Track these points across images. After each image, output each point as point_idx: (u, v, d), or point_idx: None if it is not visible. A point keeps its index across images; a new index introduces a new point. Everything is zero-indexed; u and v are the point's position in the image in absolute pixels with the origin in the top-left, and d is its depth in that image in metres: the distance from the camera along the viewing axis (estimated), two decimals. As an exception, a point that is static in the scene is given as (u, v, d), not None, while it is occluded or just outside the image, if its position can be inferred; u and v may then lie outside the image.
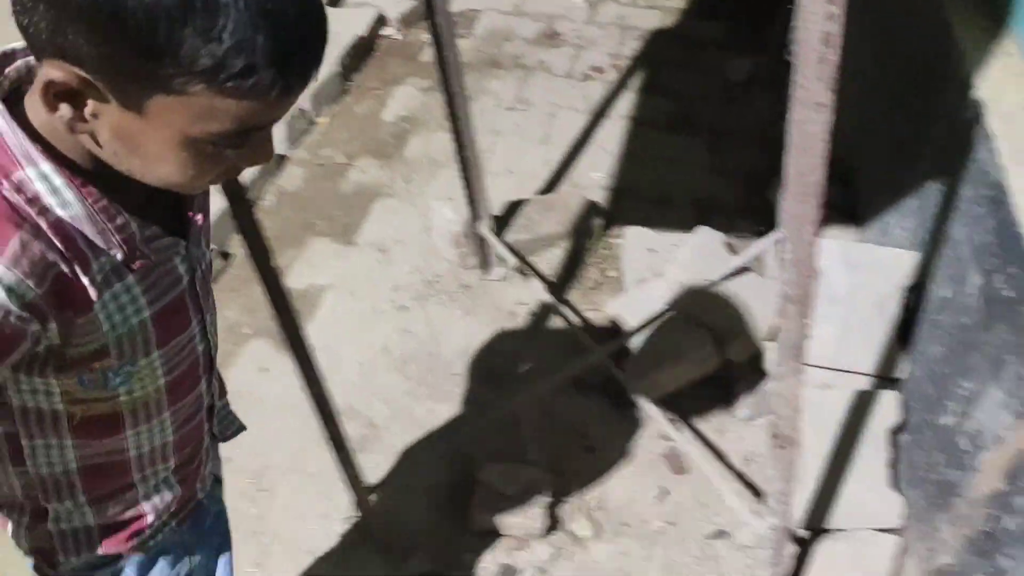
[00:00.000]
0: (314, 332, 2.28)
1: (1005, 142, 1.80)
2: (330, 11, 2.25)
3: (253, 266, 1.53)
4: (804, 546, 2.10)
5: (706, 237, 2.59)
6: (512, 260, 2.65)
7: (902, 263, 2.16)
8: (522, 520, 2.17)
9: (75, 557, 1.14)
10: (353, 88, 3.57)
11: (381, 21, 3.86)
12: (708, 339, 2.39)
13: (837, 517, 2.06)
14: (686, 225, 2.67)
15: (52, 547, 1.13)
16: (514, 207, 2.86)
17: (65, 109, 0.78)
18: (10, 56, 0.88)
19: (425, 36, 3.73)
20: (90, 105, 0.78)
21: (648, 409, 2.25)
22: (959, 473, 1.83)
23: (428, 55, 3.71)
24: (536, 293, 2.64)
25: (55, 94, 0.77)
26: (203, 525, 1.27)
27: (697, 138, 3.22)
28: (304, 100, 3.25)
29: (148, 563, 1.21)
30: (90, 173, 0.86)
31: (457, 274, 2.78)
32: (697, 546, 2.18)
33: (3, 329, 0.81)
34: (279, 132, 3.06)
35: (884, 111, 2.63)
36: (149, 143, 0.80)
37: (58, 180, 0.84)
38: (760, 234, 2.71)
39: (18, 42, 0.88)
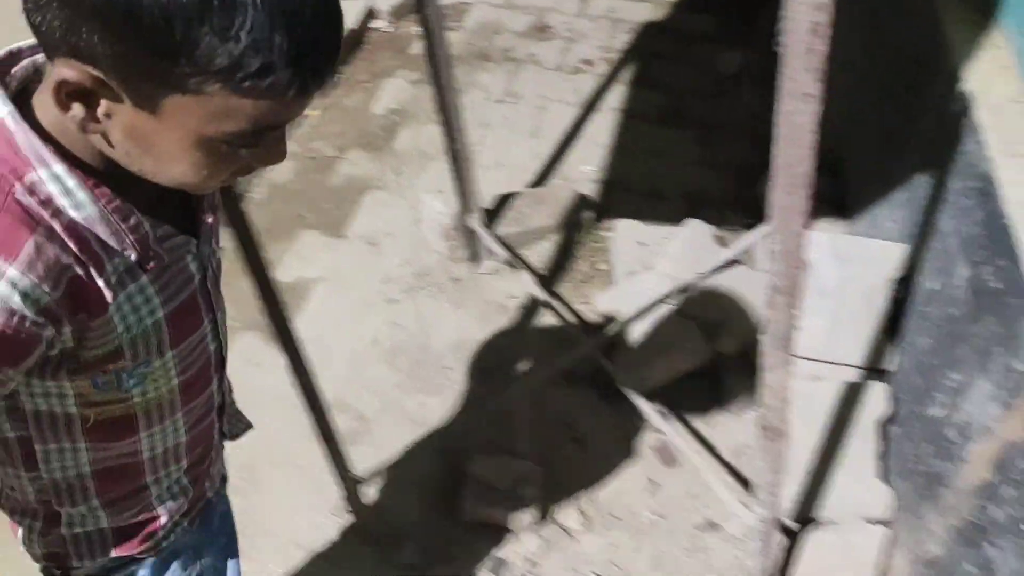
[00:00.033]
0: (304, 325, 2.28)
1: (993, 134, 1.81)
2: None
3: (242, 259, 1.53)
4: (793, 537, 2.11)
5: (696, 230, 2.59)
6: (502, 253, 2.64)
7: (891, 255, 2.16)
8: (512, 513, 2.17)
9: (89, 561, 1.14)
10: (343, 81, 3.56)
11: (371, 14, 3.84)
12: (698, 332, 2.40)
13: (826, 508, 2.07)
14: (676, 218, 2.67)
15: (66, 552, 1.12)
16: (504, 200, 2.86)
17: (77, 109, 0.77)
18: (16, 55, 0.86)
19: (415, 29, 3.72)
20: (103, 105, 0.77)
21: (638, 402, 2.25)
22: (947, 464, 1.83)
23: (418, 48, 3.70)
24: (526, 286, 2.64)
25: (67, 93, 0.76)
26: (211, 525, 1.27)
27: (687, 131, 3.22)
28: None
29: (162, 566, 1.20)
30: (101, 173, 0.85)
31: (447, 267, 2.78)
32: (687, 538, 2.19)
33: (18, 335, 0.80)
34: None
35: (873, 103, 2.63)
36: (163, 143, 0.79)
37: (71, 181, 0.83)
38: (750, 227, 2.71)
39: (23, 41, 0.87)
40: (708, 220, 2.63)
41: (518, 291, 2.71)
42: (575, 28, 3.72)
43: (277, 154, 0.86)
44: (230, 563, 1.33)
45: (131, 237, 0.88)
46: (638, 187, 3.01)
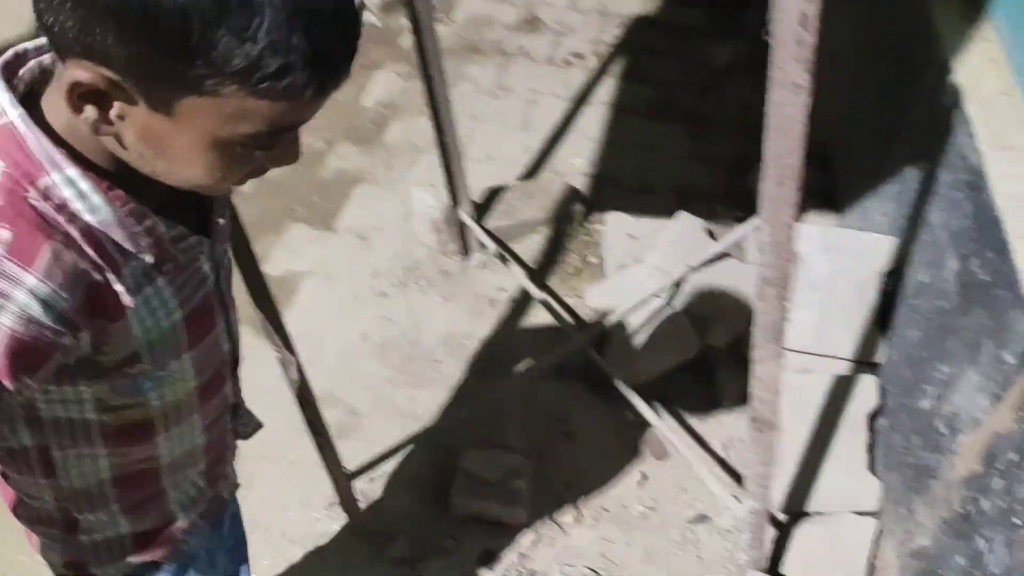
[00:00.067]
0: (293, 319, 2.27)
1: (983, 127, 1.81)
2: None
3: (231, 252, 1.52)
4: (783, 529, 2.12)
5: (686, 223, 2.59)
6: (492, 246, 2.64)
7: (881, 248, 2.17)
8: (503, 506, 2.17)
9: (109, 567, 1.13)
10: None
11: (361, 7, 3.83)
12: (688, 325, 2.40)
13: (816, 500, 2.08)
14: (667, 212, 2.67)
15: (85, 559, 1.11)
16: (494, 193, 2.86)
17: (90, 111, 0.76)
18: (22, 56, 0.85)
19: (404, 22, 3.70)
20: (116, 106, 0.75)
21: (629, 395, 2.25)
22: (936, 456, 1.84)
23: (408, 41, 3.68)
24: (516, 279, 2.63)
25: (80, 95, 0.75)
26: (223, 527, 1.27)
27: (678, 125, 3.21)
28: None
29: (180, 572, 1.20)
30: (114, 175, 0.83)
31: (437, 260, 2.77)
32: (678, 531, 2.19)
33: (37, 343, 0.79)
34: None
35: (864, 97, 2.64)
36: (177, 145, 0.78)
37: (85, 184, 0.81)
38: (740, 220, 2.71)
39: (28, 42, 0.86)
40: (699, 213, 2.63)
41: (508, 285, 2.70)
42: (565, 21, 3.71)
43: (292, 155, 0.85)
44: (242, 569, 1.33)
45: (147, 239, 0.87)
46: (628, 181, 3.01)
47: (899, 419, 2.06)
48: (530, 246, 2.81)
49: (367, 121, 3.31)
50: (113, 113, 0.76)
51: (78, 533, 1.08)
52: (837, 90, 2.70)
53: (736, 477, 2.25)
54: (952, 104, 1.91)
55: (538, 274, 2.73)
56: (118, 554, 1.12)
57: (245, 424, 1.29)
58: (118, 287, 0.85)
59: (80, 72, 0.72)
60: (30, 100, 0.82)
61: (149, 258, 0.87)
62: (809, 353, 2.21)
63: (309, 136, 3.24)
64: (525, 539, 2.17)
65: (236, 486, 1.29)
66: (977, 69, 1.92)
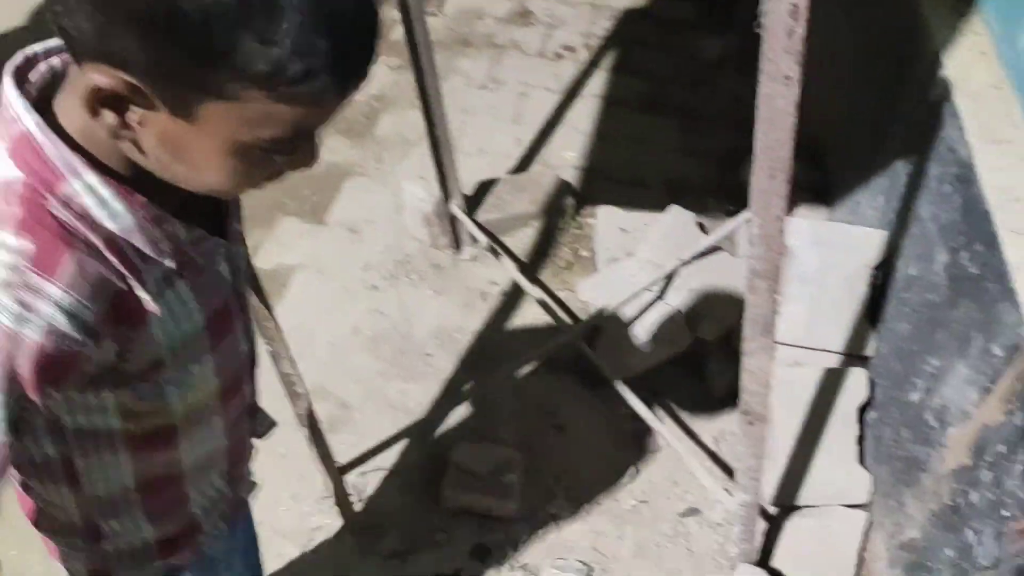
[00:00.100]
0: (284, 312, 2.26)
1: (972, 120, 1.82)
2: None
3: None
4: (774, 522, 2.12)
5: (678, 217, 2.59)
6: (484, 240, 2.64)
7: (871, 242, 2.17)
8: (494, 499, 2.17)
9: (134, 573, 1.12)
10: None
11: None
12: (679, 318, 2.40)
13: (806, 493, 2.09)
14: (658, 205, 2.67)
15: (109, 566, 1.11)
16: (485, 186, 2.85)
17: (109, 116, 0.75)
18: (32, 60, 0.83)
19: (395, 14, 3.69)
20: (136, 111, 0.74)
21: (620, 388, 2.26)
22: (926, 449, 1.85)
23: (398, 33, 3.66)
24: (508, 273, 2.63)
25: (99, 100, 0.73)
26: (236, 528, 1.27)
27: (669, 118, 3.21)
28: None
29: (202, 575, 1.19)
30: (132, 179, 0.82)
31: (428, 254, 2.77)
32: (669, 524, 2.20)
33: (62, 354, 0.78)
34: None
35: (855, 91, 2.64)
36: (197, 150, 0.76)
37: (105, 191, 0.80)
38: (731, 214, 2.71)
39: (36, 44, 0.84)
40: (690, 207, 2.63)
41: (500, 278, 2.70)
42: (556, 14, 3.70)
43: (310, 157, 0.84)
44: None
45: (168, 244, 0.86)
46: (620, 174, 3.01)
47: (889, 412, 2.06)
48: (521, 239, 2.81)
49: (358, 114, 3.30)
50: (132, 118, 0.75)
51: (102, 541, 1.08)
52: (827, 84, 2.70)
53: (727, 470, 2.26)
54: (942, 97, 1.92)
55: (529, 268, 2.73)
56: (142, 560, 1.12)
57: (260, 423, 1.29)
58: (141, 294, 0.84)
59: (99, 77, 0.71)
60: (42, 104, 0.81)
61: (171, 263, 0.86)
62: (799, 346, 2.22)
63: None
64: (516, 532, 2.17)
65: (253, 486, 1.29)
66: (967, 62, 1.92)
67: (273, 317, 1.64)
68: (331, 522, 2.18)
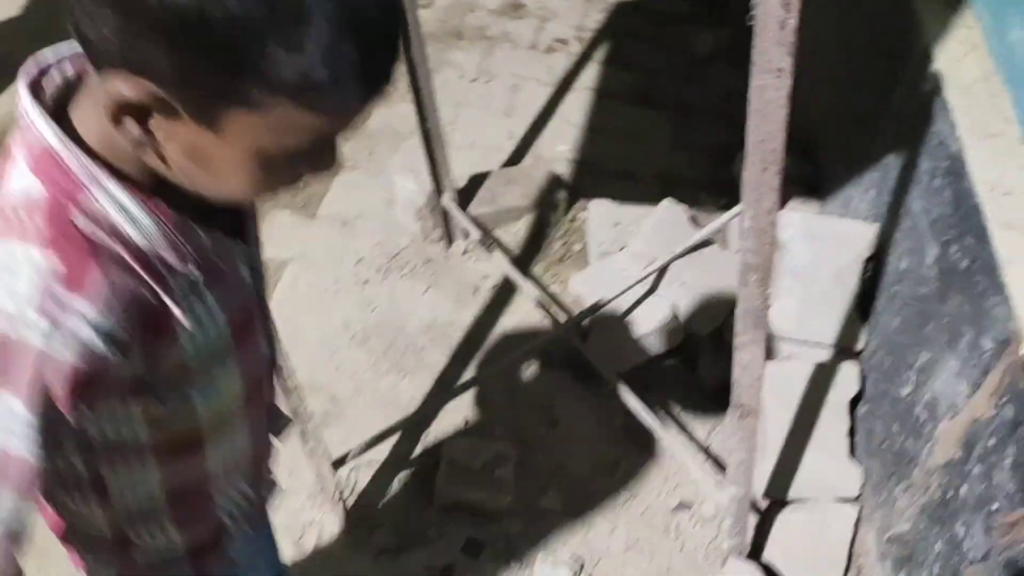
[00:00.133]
0: (275, 306, 2.24)
1: (963, 114, 1.82)
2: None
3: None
4: (765, 516, 2.13)
5: (670, 210, 2.59)
6: (476, 233, 2.63)
7: (863, 235, 2.17)
8: (487, 494, 2.17)
9: None
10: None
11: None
12: (672, 312, 2.40)
13: (797, 487, 2.09)
14: (651, 199, 2.67)
15: (138, 574, 1.10)
16: (478, 180, 2.84)
17: (131, 125, 0.73)
18: (45, 70, 0.82)
19: (387, 7, 3.67)
20: (159, 120, 0.73)
21: (613, 383, 2.26)
22: (916, 442, 1.85)
23: (390, 27, 3.65)
24: (500, 267, 2.63)
25: (121, 110, 0.72)
26: (260, 531, 1.27)
27: (661, 112, 3.21)
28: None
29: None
30: (152, 186, 0.81)
31: (420, 247, 2.76)
32: (661, 518, 2.20)
33: (91, 368, 0.76)
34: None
35: (847, 85, 2.64)
36: (220, 159, 0.75)
37: (129, 202, 0.79)
38: (724, 208, 2.71)
39: (46, 50, 0.82)
40: (683, 201, 2.63)
41: (492, 272, 2.70)
42: (548, 7, 3.69)
43: (330, 163, 0.83)
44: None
45: (191, 251, 0.85)
46: (612, 167, 3.01)
47: (880, 406, 2.07)
48: (514, 233, 2.81)
49: (349, 107, 3.29)
50: (155, 127, 0.74)
51: (131, 550, 1.07)
52: (820, 78, 2.70)
53: (718, 464, 2.26)
54: (933, 91, 1.92)
55: (522, 261, 2.73)
56: (171, 567, 1.11)
57: (276, 422, 1.28)
58: (168, 303, 0.83)
59: (122, 86, 0.70)
60: (57, 112, 0.80)
61: (195, 271, 0.86)
62: (791, 339, 2.22)
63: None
64: (509, 527, 2.17)
65: (275, 486, 1.28)
66: (957, 56, 1.92)
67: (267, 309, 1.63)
68: (323, 517, 2.17)
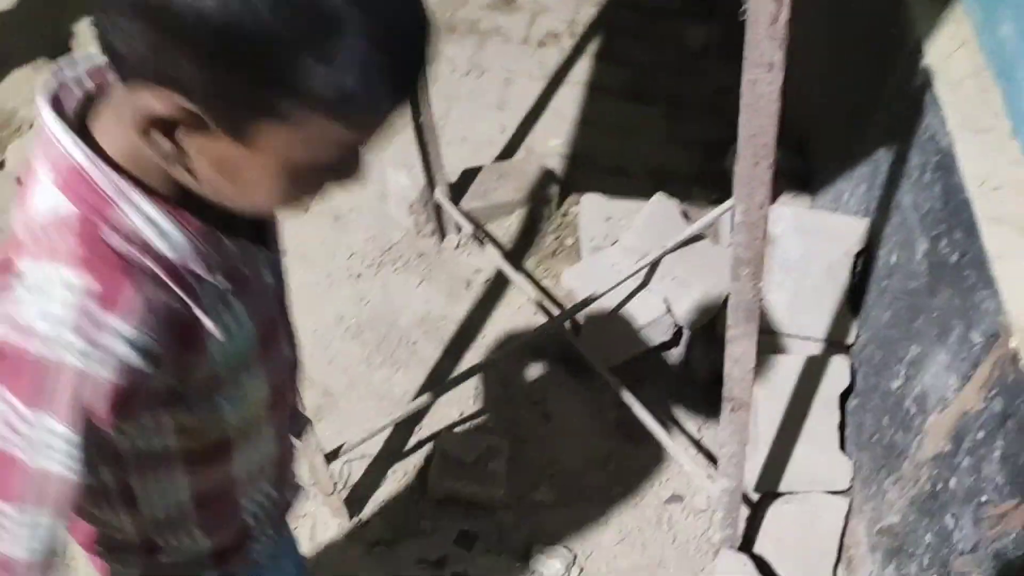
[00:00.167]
0: (268, 300, 2.25)
1: (953, 109, 1.83)
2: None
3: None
4: (756, 509, 2.14)
5: (662, 205, 2.59)
6: (468, 228, 2.63)
7: (853, 230, 2.18)
8: (479, 487, 2.18)
9: None
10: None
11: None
12: (664, 306, 2.41)
13: (788, 480, 2.10)
14: (643, 193, 2.67)
15: None
16: (470, 174, 2.84)
17: (160, 139, 0.73)
18: (65, 84, 0.81)
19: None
20: (189, 134, 0.72)
21: (605, 376, 2.26)
22: (906, 435, 1.87)
23: (383, 20, 3.64)
24: (492, 261, 2.63)
25: (151, 124, 0.71)
26: (284, 533, 1.27)
27: (653, 106, 3.21)
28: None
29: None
30: (177, 197, 0.80)
31: (413, 241, 2.76)
32: (652, 511, 2.21)
33: (127, 383, 0.76)
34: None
35: (838, 79, 2.65)
36: (250, 171, 0.75)
37: (156, 214, 0.78)
38: (716, 202, 2.72)
39: (62, 62, 0.82)
40: (675, 195, 2.64)
41: (485, 266, 2.70)
42: (540, 1, 3.69)
43: (356, 173, 0.82)
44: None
45: (219, 261, 0.84)
46: (604, 162, 3.01)
47: (870, 399, 2.08)
48: (506, 227, 2.81)
49: (341, 101, 3.28)
50: (184, 140, 0.73)
51: (158, 554, 1.07)
52: (811, 73, 2.71)
53: (710, 457, 2.27)
54: (923, 86, 1.93)
55: (514, 255, 2.73)
56: (196, 569, 1.11)
57: (296, 423, 1.28)
58: (199, 315, 0.83)
59: (152, 100, 0.69)
60: (78, 126, 0.79)
61: (223, 280, 0.85)
62: (782, 334, 2.23)
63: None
64: (502, 519, 2.18)
65: (299, 488, 1.28)
66: (948, 51, 1.93)
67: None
68: (316, 510, 2.18)
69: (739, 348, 1.61)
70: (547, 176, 2.87)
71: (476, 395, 2.40)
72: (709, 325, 2.38)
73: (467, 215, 2.68)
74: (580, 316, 2.42)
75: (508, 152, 3.05)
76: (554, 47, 3.47)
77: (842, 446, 2.14)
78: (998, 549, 1.50)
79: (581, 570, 2.12)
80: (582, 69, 3.36)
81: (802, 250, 2.18)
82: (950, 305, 1.73)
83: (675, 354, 2.45)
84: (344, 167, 0.80)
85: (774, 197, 1.39)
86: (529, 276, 2.67)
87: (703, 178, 2.90)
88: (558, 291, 2.63)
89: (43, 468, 0.75)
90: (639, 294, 2.43)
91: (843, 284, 2.18)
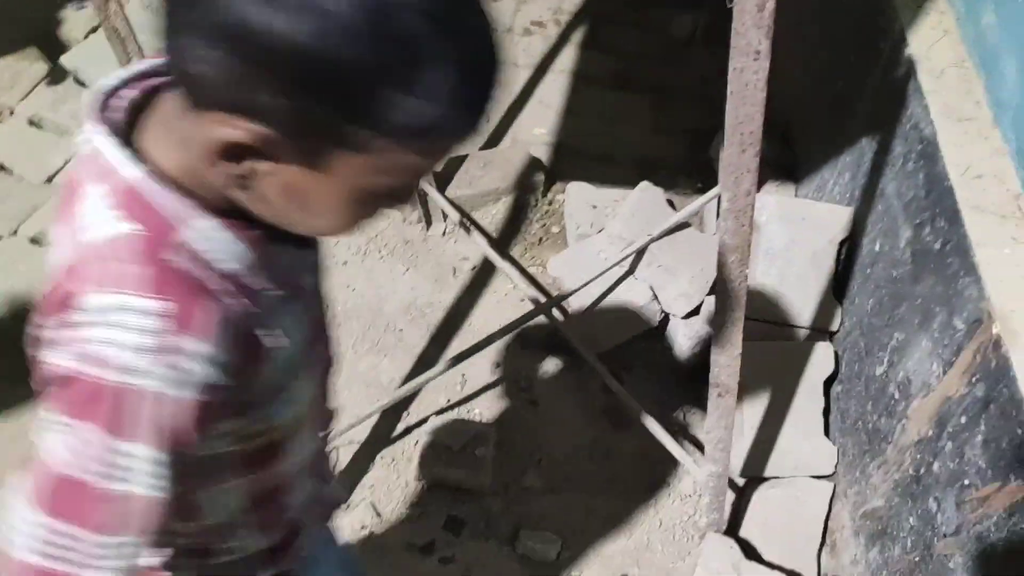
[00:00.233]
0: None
1: (936, 98, 1.85)
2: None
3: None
4: (742, 493, 2.16)
5: (647, 193, 2.60)
6: (454, 215, 2.64)
7: (838, 218, 2.20)
8: (467, 473, 2.19)
9: None
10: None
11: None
12: (650, 293, 2.42)
13: (774, 465, 2.12)
14: (628, 181, 2.68)
15: None
16: (455, 162, 2.84)
17: (226, 164, 0.72)
18: (110, 98, 0.80)
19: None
20: (259, 160, 0.71)
21: (591, 363, 2.28)
22: (889, 420, 1.89)
23: (368, 8, 3.62)
24: (479, 248, 2.64)
25: (224, 150, 0.70)
26: (327, 526, 1.27)
27: (639, 95, 3.22)
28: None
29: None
30: (231, 211, 0.79)
31: (399, 229, 2.76)
32: (640, 497, 2.23)
33: (210, 403, 0.76)
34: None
35: (822, 69, 2.66)
36: (318, 197, 0.74)
37: (215, 228, 0.78)
38: (701, 190, 2.74)
39: (103, 84, 0.80)
40: (660, 184, 2.65)
41: (471, 253, 2.71)
42: (527, -11, 3.69)
43: (411, 198, 0.83)
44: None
45: (273, 269, 0.84)
46: (590, 150, 3.02)
47: (854, 385, 2.10)
48: (492, 215, 2.81)
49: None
50: (253, 166, 0.72)
51: (211, 557, 1.07)
52: (796, 62, 2.73)
53: (696, 443, 2.29)
54: (907, 75, 1.94)
55: (500, 243, 2.74)
56: (249, 569, 1.11)
57: (327, 417, 1.29)
58: (262, 324, 0.83)
59: (227, 129, 0.68)
60: (125, 141, 0.78)
61: (278, 288, 0.85)
62: (767, 321, 2.25)
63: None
64: (489, 505, 2.19)
65: (333, 478, 1.29)
66: (931, 40, 1.95)
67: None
68: (304, 497, 2.18)
69: (725, 335, 1.62)
70: (533, 164, 2.87)
71: (463, 382, 2.41)
72: (695, 312, 2.40)
73: (453, 203, 2.69)
74: (567, 304, 2.43)
75: (494, 140, 3.05)
76: (539, 35, 3.47)
77: (826, 431, 2.16)
78: (980, 532, 1.53)
79: (569, 555, 2.14)
80: (568, 57, 3.36)
81: (787, 238, 2.20)
82: (933, 292, 1.75)
83: (662, 341, 2.47)
84: (404, 191, 0.79)
85: (759, 186, 1.40)
86: (515, 264, 2.68)
87: (689, 166, 2.91)
88: (544, 279, 2.64)
89: (126, 492, 0.75)
90: (625, 281, 2.45)
91: (827, 272, 2.20)
